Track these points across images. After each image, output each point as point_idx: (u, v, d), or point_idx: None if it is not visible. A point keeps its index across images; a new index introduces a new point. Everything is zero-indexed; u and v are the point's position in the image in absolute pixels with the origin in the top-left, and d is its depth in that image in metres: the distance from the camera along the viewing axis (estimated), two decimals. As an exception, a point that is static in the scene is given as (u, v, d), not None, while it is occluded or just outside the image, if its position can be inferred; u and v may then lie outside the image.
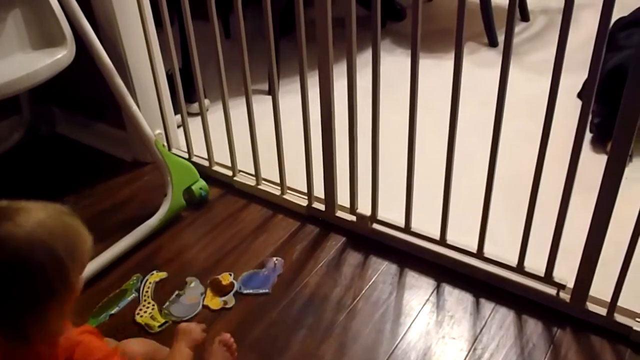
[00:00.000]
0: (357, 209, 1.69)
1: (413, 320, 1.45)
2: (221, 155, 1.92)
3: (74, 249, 0.94)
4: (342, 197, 1.70)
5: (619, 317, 1.38)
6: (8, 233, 0.88)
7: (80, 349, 1.00)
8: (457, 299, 1.50)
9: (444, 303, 1.49)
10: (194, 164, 1.88)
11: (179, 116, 1.96)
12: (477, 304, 1.48)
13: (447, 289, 1.53)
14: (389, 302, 1.50)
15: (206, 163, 1.95)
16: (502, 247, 1.52)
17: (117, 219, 1.81)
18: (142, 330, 1.45)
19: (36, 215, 0.92)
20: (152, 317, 1.48)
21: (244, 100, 1.72)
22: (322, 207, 1.75)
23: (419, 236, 1.61)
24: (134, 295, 1.55)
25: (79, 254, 0.95)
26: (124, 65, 1.83)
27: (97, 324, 1.47)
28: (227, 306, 1.52)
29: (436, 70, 2.16)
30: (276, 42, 1.73)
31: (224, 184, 1.92)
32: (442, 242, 1.57)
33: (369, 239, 1.68)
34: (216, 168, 1.95)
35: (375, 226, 1.67)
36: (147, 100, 1.91)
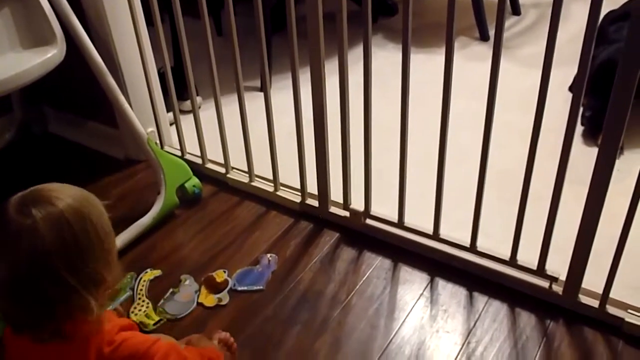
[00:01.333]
0: (350, 204, 1.69)
1: (407, 315, 1.46)
2: (214, 152, 1.92)
3: (101, 221, 1.02)
4: (335, 193, 1.71)
5: (611, 309, 1.39)
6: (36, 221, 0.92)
7: (127, 344, 1.02)
8: (450, 292, 1.51)
9: (438, 297, 1.50)
10: (187, 161, 1.88)
11: (171, 114, 1.96)
12: (471, 297, 1.49)
13: (441, 283, 1.54)
14: (383, 297, 1.51)
15: (199, 160, 1.95)
16: (494, 240, 1.53)
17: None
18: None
19: (63, 197, 0.98)
20: (147, 315, 1.48)
21: (236, 97, 1.71)
22: (315, 203, 1.75)
23: (412, 231, 1.61)
24: (128, 293, 1.55)
25: (104, 224, 1.03)
26: (115, 64, 1.83)
27: (92, 322, 1.47)
28: (222, 303, 1.52)
29: (428, 64, 2.17)
30: (268, 38, 1.73)
31: (217, 181, 1.92)
32: (435, 236, 1.57)
33: (362, 235, 1.69)
34: (209, 165, 1.94)
35: (369, 221, 1.67)
36: (139, 98, 1.91)
